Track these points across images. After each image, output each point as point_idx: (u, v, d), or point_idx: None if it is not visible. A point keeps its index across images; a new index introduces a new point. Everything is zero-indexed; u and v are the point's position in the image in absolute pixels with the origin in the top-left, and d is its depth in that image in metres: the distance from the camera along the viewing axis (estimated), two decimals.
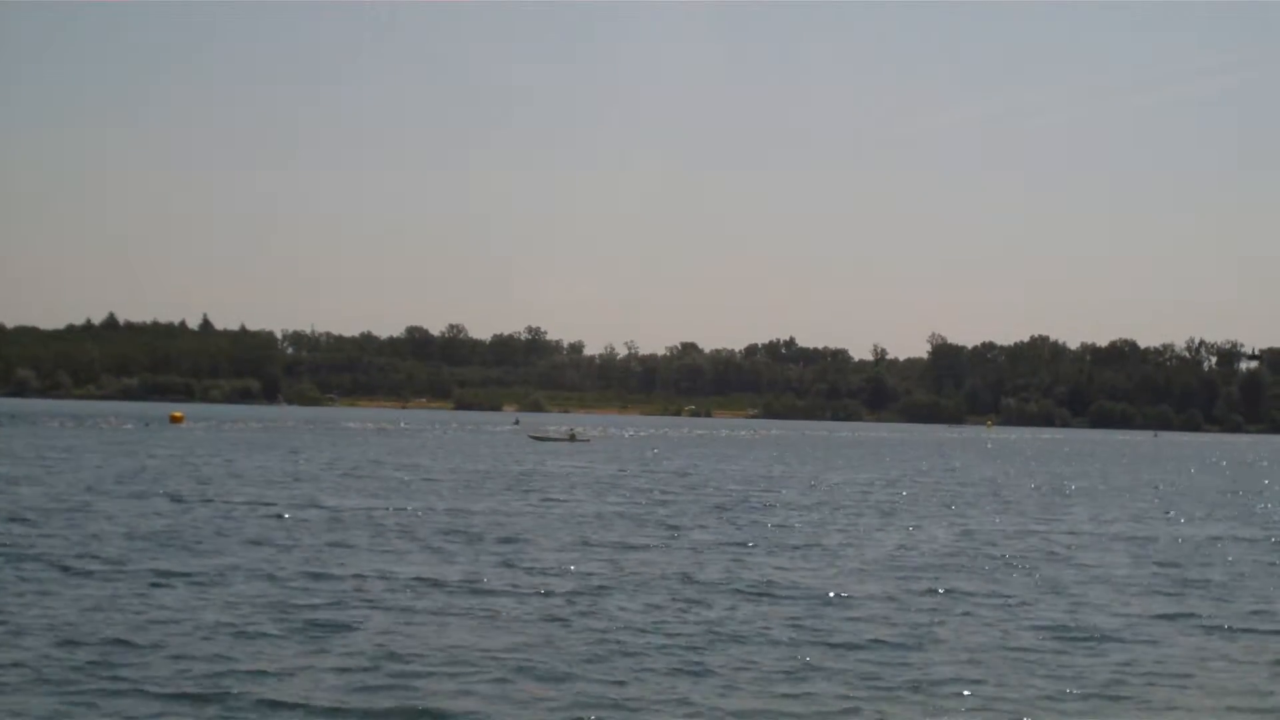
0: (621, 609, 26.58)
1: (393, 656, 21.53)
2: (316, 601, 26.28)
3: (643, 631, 24.34)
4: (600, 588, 29.29)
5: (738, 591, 29.41)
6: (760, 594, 29.16)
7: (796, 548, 38.83)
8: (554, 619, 25.29)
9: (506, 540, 38.24)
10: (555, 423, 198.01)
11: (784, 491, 64.06)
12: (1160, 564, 37.96)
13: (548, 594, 28.13)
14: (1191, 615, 28.31)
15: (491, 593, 28.16)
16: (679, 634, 24.17)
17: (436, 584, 29.05)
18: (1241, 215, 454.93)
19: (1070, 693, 20.65)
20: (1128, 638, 25.38)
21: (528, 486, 61.93)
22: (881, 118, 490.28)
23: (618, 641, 23.36)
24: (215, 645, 22.04)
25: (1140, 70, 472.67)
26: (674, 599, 28.07)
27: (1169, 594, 31.61)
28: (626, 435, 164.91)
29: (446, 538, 38.36)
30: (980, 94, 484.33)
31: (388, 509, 47.09)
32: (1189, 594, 31.70)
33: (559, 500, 54.05)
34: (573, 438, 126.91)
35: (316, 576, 29.57)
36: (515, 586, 29.10)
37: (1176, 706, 20.21)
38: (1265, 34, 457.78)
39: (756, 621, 25.69)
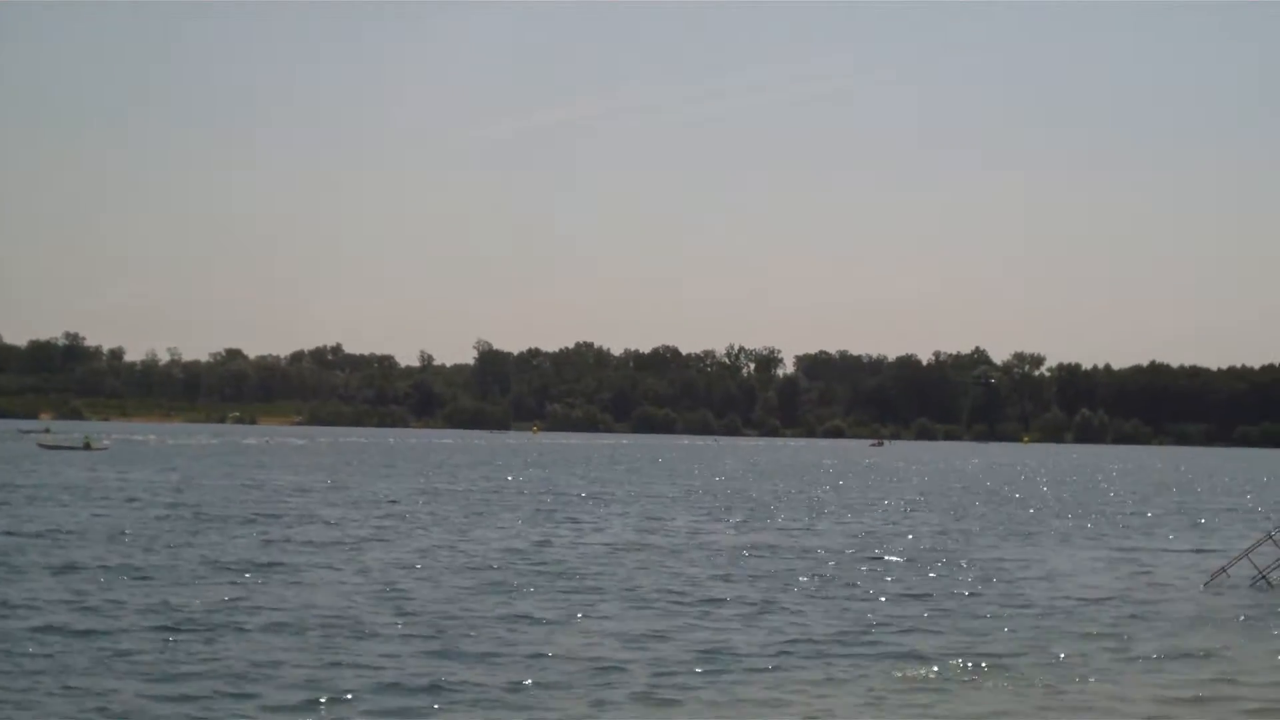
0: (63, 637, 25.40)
1: None
2: None
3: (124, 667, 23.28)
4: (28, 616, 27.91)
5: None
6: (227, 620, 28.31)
7: (282, 565, 38.08)
8: None
9: None
10: (94, 431, 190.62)
11: (304, 502, 63.01)
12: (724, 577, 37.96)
13: None
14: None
15: None
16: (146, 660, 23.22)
17: None
18: (769, 223, 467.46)
19: None
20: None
21: (20, 498, 59.21)
22: (458, 120, 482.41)
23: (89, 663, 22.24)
24: None
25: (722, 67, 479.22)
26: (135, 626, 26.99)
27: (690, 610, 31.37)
28: (151, 441, 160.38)
29: None
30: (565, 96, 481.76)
31: None
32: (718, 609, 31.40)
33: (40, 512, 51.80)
34: (88, 446, 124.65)
35: None
36: None
37: None
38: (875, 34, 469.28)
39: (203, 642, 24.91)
